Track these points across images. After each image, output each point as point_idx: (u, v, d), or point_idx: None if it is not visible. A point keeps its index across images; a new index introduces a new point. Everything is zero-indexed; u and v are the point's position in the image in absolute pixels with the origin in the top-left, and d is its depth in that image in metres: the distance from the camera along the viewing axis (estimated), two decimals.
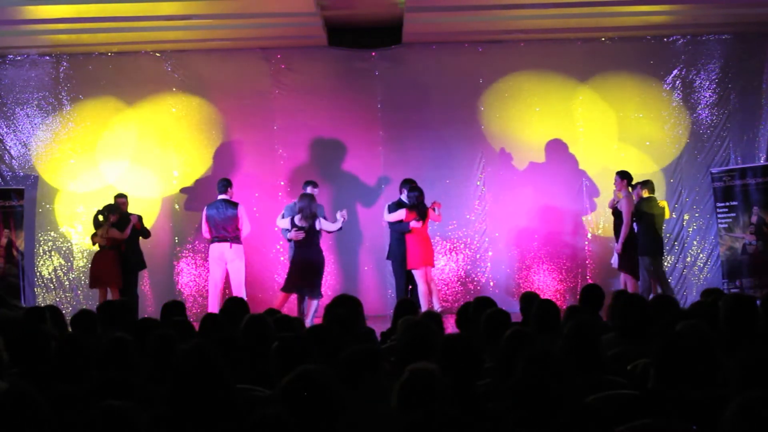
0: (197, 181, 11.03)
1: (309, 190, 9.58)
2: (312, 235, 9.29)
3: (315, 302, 9.30)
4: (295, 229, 9.27)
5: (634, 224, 9.67)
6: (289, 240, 9.51)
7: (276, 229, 10.09)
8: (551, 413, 2.89)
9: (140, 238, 10.04)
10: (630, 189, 9.68)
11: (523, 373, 3.26)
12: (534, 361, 3.30)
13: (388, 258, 9.94)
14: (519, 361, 3.37)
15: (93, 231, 9.86)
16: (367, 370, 3.45)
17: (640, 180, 9.86)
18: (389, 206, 9.77)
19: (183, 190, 11.04)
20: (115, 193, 10.14)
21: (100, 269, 9.72)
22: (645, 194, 9.76)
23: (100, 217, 9.76)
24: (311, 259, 9.31)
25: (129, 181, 10.93)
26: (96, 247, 9.90)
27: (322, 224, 9.38)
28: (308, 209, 9.25)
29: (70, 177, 10.97)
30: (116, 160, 11.02)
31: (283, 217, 9.58)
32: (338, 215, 9.55)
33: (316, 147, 11.10)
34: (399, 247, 9.64)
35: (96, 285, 9.80)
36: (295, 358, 3.68)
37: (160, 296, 10.50)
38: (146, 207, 10.88)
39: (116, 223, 9.72)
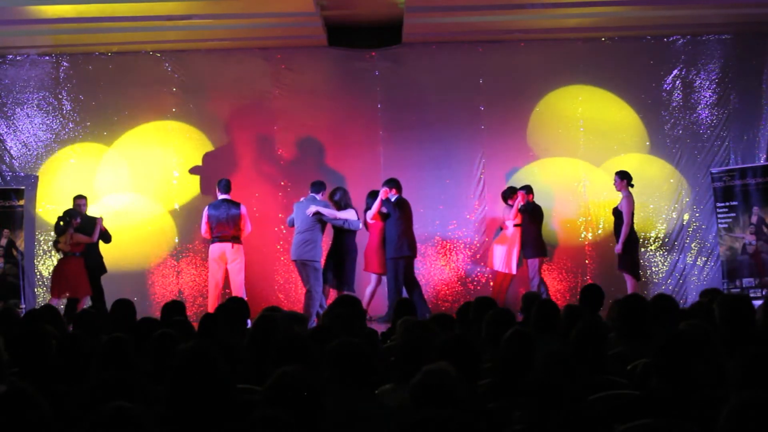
0: (197, 181, 11.02)
1: (321, 196, 9.55)
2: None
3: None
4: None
5: (511, 227, 10.22)
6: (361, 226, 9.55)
7: (340, 221, 9.37)
8: (558, 412, 2.90)
9: (100, 241, 9.90)
10: (630, 189, 9.72)
11: (539, 372, 3.28)
12: (551, 361, 3.32)
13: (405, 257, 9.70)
14: (536, 360, 3.38)
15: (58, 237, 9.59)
16: (357, 366, 3.46)
17: (523, 185, 10.38)
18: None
19: (183, 190, 11.04)
20: (76, 194, 10.03)
21: (68, 276, 9.47)
22: (531, 199, 10.26)
23: (62, 223, 9.55)
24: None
25: (129, 181, 10.95)
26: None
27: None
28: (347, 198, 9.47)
29: (70, 177, 10.96)
30: (116, 161, 11.01)
31: (341, 208, 9.42)
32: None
33: (316, 147, 11.10)
34: None
35: (62, 293, 9.51)
36: (294, 358, 3.68)
37: (159, 297, 10.51)
38: (146, 207, 10.91)
39: (80, 226, 9.57)
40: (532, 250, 10.14)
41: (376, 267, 9.83)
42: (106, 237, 9.96)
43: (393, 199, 9.71)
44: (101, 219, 9.86)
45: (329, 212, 9.31)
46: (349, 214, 9.34)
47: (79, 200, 9.90)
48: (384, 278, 9.80)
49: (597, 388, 3.58)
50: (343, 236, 9.39)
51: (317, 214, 9.24)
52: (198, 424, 3.03)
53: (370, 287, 10.00)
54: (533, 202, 10.27)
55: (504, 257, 10.26)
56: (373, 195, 9.79)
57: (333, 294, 9.47)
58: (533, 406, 3.08)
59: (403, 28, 10.53)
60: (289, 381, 2.93)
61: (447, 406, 2.90)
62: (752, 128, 11.11)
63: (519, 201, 10.17)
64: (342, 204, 9.39)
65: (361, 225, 9.50)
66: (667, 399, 3.16)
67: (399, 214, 9.60)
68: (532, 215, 10.16)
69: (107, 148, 11.03)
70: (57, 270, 9.69)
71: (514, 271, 10.23)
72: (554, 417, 2.94)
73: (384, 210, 9.60)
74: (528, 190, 10.29)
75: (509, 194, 10.36)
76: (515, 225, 10.25)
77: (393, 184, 9.78)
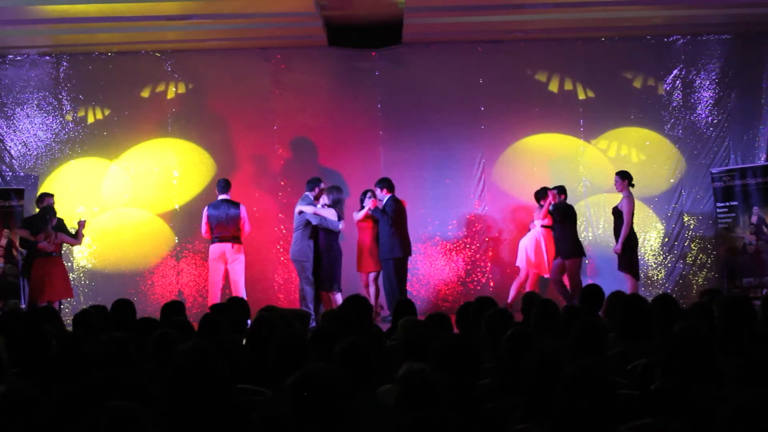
0: (197, 181, 11.02)
1: (314, 193, 9.55)
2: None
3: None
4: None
5: (539, 228, 10.09)
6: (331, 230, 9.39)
7: (320, 218, 9.35)
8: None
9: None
10: (630, 189, 9.72)
11: (530, 372, 3.29)
12: (541, 361, 3.32)
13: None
14: (526, 361, 3.38)
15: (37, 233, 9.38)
16: (363, 366, 3.46)
17: (556, 186, 10.12)
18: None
19: (183, 191, 11.03)
20: (44, 191, 9.97)
21: (55, 280, 9.27)
22: (563, 199, 10.01)
23: (45, 218, 9.42)
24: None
25: (129, 181, 10.95)
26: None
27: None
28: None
29: (70, 177, 10.96)
30: (116, 161, 11.02)
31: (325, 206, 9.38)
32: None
33: (316, 147, 11.10)
34: None
35: (50, 297, 9.24)
36: (294, 358, 3.68)
37: (159, 297, 10.52)
38: (146, 207, 10.90)
39: (56, 226, 9.46)
40: (570, 250, 9.81)
41: (367, 266, 9.84)
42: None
43: (384, 200, 9.71)
44: (85, 221, 9.79)
45: (309, 209, 9.35)
46: (328, 213, 9.34)
47: (49, 198, 9.76)
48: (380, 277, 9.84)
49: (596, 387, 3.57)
50: (322, 235, 9.36)
51: (302, 213, 9.30)
52: (198, 424, 3.03)
53: (370, 287, 10.00)
54: (565, 203, 10.05)
55: (532, 256, 10.17)
56: (366, 194, 9.81)
57: (325, 296, 9.43)
58: (527, 405, 3.09)
59: (403, 28, 10.53)
60: (315, 378, 2.91)
61: (434, 405, 2.90)
62: (752, 128, 11.12)
63: (549, 201, 10.01)
64: (330, 203, 9.38)
65: (340, 227, 9.39)
66: (668, 398, 3.16)
67: (389, 216, 9.60)
68: (565, 216, 9.90)
69: (107, 148, 11.03)
70: (40, 272, 9.35)
71: (545, 272, 10.14)
72: (553, 417, 2.94)
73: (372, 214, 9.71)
74: (560, 190, 10.04)
75: (542, 195, 10.17)
76: (543, 226, 10.17)
77: (384, 184, 9.80)
